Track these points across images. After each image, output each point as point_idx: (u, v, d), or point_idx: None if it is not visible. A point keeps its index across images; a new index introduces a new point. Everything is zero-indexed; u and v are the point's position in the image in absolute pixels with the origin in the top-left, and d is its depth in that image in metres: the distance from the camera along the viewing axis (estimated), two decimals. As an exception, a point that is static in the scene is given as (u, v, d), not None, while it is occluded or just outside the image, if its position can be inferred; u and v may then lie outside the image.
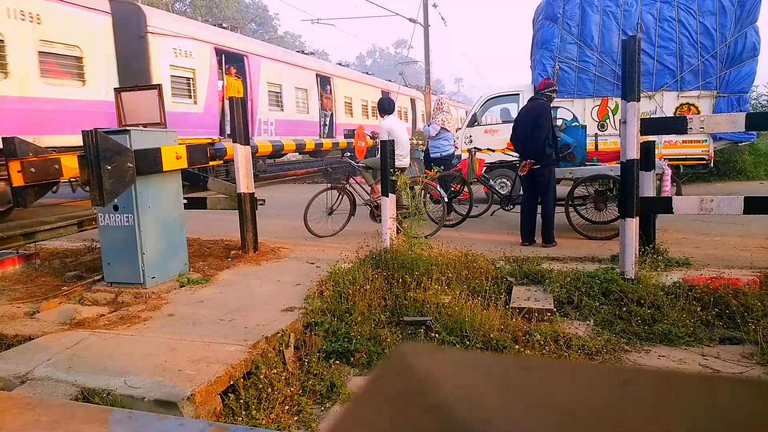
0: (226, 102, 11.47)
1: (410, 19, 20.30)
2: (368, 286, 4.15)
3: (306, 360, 3.42)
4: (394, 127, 6.81)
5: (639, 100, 4.23)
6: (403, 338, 3.81)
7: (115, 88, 4.94)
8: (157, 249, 4.41)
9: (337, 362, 3.50)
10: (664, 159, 7.87)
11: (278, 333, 3.46)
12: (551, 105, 6.04)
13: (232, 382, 2.91)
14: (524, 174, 5.86)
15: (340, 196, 6.60)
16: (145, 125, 4.52)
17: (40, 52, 8.26)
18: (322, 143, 17.03)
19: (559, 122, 6.90)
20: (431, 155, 7.98)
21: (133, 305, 4.09)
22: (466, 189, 7.25)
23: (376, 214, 6.62)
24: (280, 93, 14.94)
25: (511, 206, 6.83)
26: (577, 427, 0.31)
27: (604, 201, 6.20)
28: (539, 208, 5.80)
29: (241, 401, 2.84)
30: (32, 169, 3.81)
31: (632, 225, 4.29)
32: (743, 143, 10.65)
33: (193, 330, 3.57)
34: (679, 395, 0.33)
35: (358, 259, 4.92)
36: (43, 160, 3.89)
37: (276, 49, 16.61)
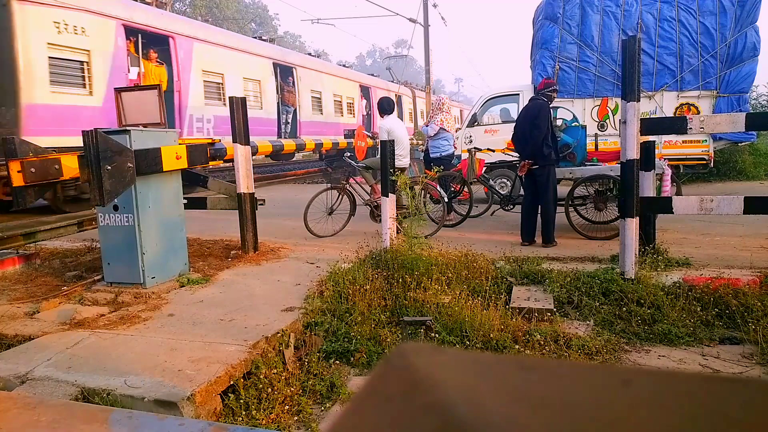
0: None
1: (410, 19, 20.30)
2: (368, 286, 4.15)
3: (306, 360, 3.42)
4: (393, 127, 6.81)
5: (639, 100, 4.23)
6: (403, 338, 3.81)
7: (115, 88, 4.93)
8: (157, 249, 4.41)
9: (337, 362, 3.50)
10: (664, 159, 7.87)
11: (278, 333, 3.46)
12: (551, 105, 6.05)
13: (232, 382, 2.91)
14: (523, 174, 5.86)
15: (340, 196, 6.60)
16: (145, 125, 4.52)
17: None
18: (282, 145, 14.48)
19: (559, 122, 6.90)
20: (431, 155, 7.98)
21: (133, 305, 4.09)
22: (466, 189, 7.25)
23: (376, 214, 6.62)
24: (221, 84, 12.42)
25: (511, 206, 6.83)
26: (577, 427, 0.31)
27: (604, 201, 6.20)
28: (539, 208, 5.80)
29: (241, 401, 2.84)
30: (32, 169, 3.81)
31: (632, 225, 4.29)
32: (743, 143, 10.65)
33: (193, 330, 3.57)
34: (679, 395, 0.33)
35: (358, 259, 4.92)
36: (43, 160, 3.89)
37: (216, 30, 13.92)
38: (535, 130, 5.64)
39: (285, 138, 15.03)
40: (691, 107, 9.51)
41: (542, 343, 3.60)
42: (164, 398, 2.62)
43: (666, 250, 4.86)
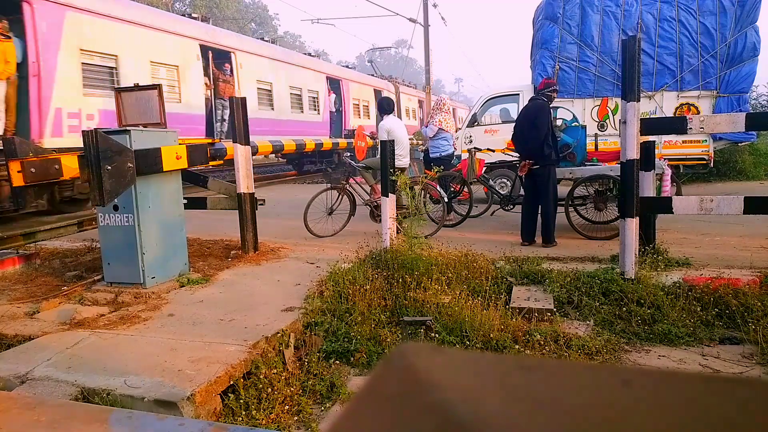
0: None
1: (410, 19, 20.31)
2: (368, 286, 4.15)
3: (306, 360, 3.42)
4: (393, 127, 6.82)
5: (639, 100, 4.23)
6: (403, 338, 3.81)
7: (115, 88, 4.93)
8: (157, 249, 4.41)
9: (337, 362, 3.50)
10: (664, 159, 7.88)
11: (278, 333, 3.46)
12: (551, 105, 6.05)
13: (232, 382, 2.91)
14: (523, 174, 5.86)
15: (340, 196, 6.60)
16: (145, 125, 4.52)
17: None
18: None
19: (559, 122, 6.90)
20: (431, 155, 7.98)
21: (133, 305, 4.09)
22: (466, 189, 7.25)
23: (376, 214, 6.62)
24: (114, 69, 9.60)
25: (511, 206, 6.83)
26: (577, 427, 0.31)
27: (604, 201, 6.20)
28: (539, 208, 5.80)
29: (241, 401, 2.84)
30: (32, 169, 3.81)
31: (632, 225, 4.29)
32: (743, 143, 10.65)
33: (193, 330, 3.57)
34: (679, 395, 0.33)
35: (358, 259, 4.92)
36: (43, 160, 3.89)
37: None
38: (536, 131, 5.64)
39: (222, 139, 12.01)
40: (691, 107, 9.51)
41: (542, 343, 3.60)
42: (164, 398, 2.62)
43: (666, 250, 4.86)
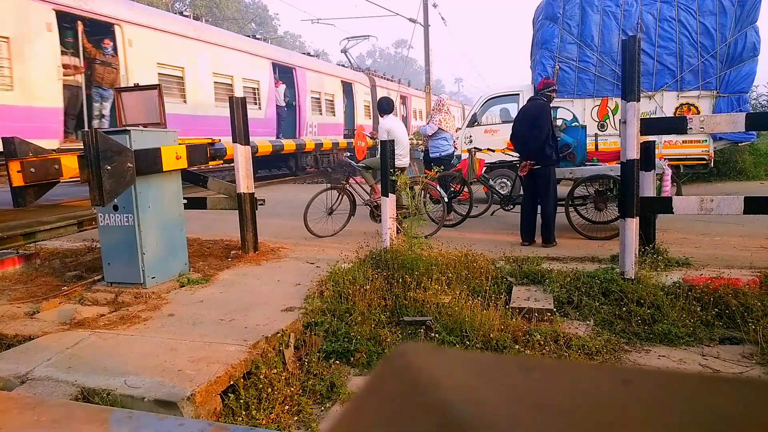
0: None
1: (410, 19, 20.31)
2: (368, 286, 4.15)
3: (306, 360, 3.42)
4: (393, 127, 6.82)
5: (639, 100, 4.23)
6: (403, 338, 3.81)
7: (115, 88, 4.93)
8: (157, 249, 4.41)
9: (337, 362, 3.50)
10: (664, 159, 7.87)
11: (278, 333, 3.46)
12: (551, 105, 6.05)
13: (232, 382, 2.91)
14: (524, 174, 5.86)
15: (340, 196, 6.60)
16: (145, 125, 4.52)
17: None
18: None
19: (559, 122, 6.90)
20: (431, 155, 7.98)
21: (133, 305, 4.09)
22: (466, 189, 7.25)
23: (376, 214, 6.62)
24: None
25: (511, 206, 6.83)
26: (577, 427, 0.31)
27: (604, 201, 6.20)
28: (539, 208, 5.80)
29: (241, 401, 2.84)
30: (32, 169, 3.81)
31: (632, 225, 4.29)
32: (743, 143, 10.66)
33: (193, 330, 3.57)
34: (679, 395, 0.33)
35: (358, 259, 4.92)
36: (43, 160, 3.89)
37: None
38: (537, 131, 5.63)
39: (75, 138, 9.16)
40: (691, 107, 9.51)
41: (542, 343, 3.60)
42: (164, 398, 2.62)
43: (666, 250, 4.86)
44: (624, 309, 3.98)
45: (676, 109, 9.56)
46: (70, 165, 3.94)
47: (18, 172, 3.75)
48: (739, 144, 10.64)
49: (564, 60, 9.74)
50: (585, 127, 7.10)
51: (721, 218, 6.35)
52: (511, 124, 6.14)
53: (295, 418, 2.87)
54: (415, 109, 26.28)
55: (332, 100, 17.85)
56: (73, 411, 2.40)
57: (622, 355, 3.57)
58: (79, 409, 2.46)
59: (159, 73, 10.49)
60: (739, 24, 9.16)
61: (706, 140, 9.53)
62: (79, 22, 8.87)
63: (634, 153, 4.24)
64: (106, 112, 9.43)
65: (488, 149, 8.96)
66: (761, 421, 0.30)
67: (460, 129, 10.27)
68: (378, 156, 5.94)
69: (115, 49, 9.48)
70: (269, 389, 2.92)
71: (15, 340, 3.56)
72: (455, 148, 8.36)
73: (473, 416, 0.31)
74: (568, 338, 3.64)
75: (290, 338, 3.50)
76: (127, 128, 4.25)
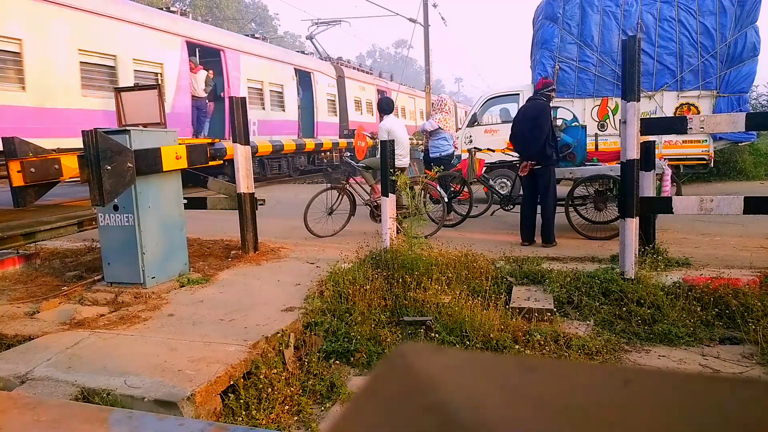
0: None
1: (410, 19, 20.29)
2: (368, 286, 4.15)
3: (306, 360, 3.42)
4: (393, 127, 6.82)
5: (639, 100, 4.23)
6: (403, 338, 3.81)
7: (115, 88, 4.93)
8: (157, 249, 4.41)
9: (337, 362, 3.50)
10: (664, 159, 7.88)
11: (278, 333, 3.46)
12: (551, 105, 6.05)
13: (232, 382, 2.91)
14: (524, 174, 5.86)
15: (340, 196, 6.60)
16: (145, 125, 4.53)
17: None
18: None
19: (559, 122, 6.90)
20: (431, 155, 7.98)
21: (133, 305, 4.09)
22: (466, 189, 7.25)
23: (376, 214, 6.63)
24: None
25: (511, 206, 6.83)
26: (577, 427, 0.31)
27: (604, 201, 6.20)
28: (539, 208, 5.80)
29: (241, 401, 2.84)
30: (32, 169, 3.81)
31: (632, 225, 4.29)
32: (743, 143, 10.66)
33: (193, 330, 3.57)
34: (679, 395, 0.33)
35: (358, 259, 4.92)
36: (43, 160, 3.89)
37: None
38: (538, 131, 5.63)
39: None
40: (691, 107, 9.51)
41: (542, 343, 3.60)
42: (164, 398, 2.62)
43: (666, 250, 4.86)
44: (624, 309, 3.98)
45: (676, 109, 9.57)
46: (70, 165, 3.94)
47: (18, 172, 3.75)
48: (739, 144, 10.64)
49: (564, 60, 9.74)
50: (585, 127, 7.10)
51: (720, 218, 6.36)
52: (511, 124, 6.14)
53: (295, 418, 2.87)
54: (398, 106, 23.07)
55: (281, 92, 14.57)
56: (72, 411, 2.40)
57: (622, 355, 3.57)
58: (79, 409, 2.46)
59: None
60: (739, 24, 9.16)
61: (706, 140, 9.53)
62: None
63: (634, 153, 4.24)
64: None
65: (488, 149, 8.96)
66: (761, 421, 0.30)
67: (460, 129, 10.27)
68: (378, 156, 5.94)
69: None
70: (269, 389, 2.92)
71: (15, 340, 3.56)
72: (455, 148, 8.36)
73: (473, 416, 0.31)
74: (568, 338, 3.64)
75: (290, 338, 3.50)
76: (127, 128, 4.25)
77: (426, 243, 4.97)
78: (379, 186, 6.02)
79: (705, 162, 9.73)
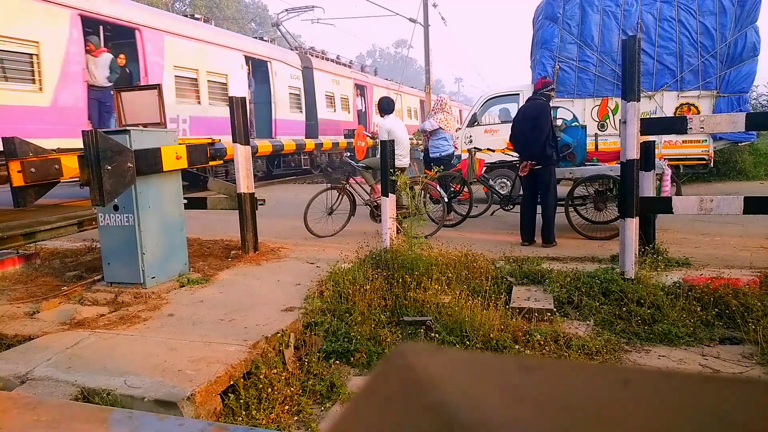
0: None
1: (410, 19, 20.29)
2: (368, 286, 4.15)
3: (306, 360, 3.42)
4: (393, 127, 6.82)
5: (639, 100, 4.23)
6: (403, 338, 3.81)
7: (115, 88, 4.93)
8: (157, 249, 4.41)
9: (337, 362, 3.50)
10: (664, 159, 7.88)
11: (278, 333, 3.46)
12: (551, 105, 6.05)
13: (232, 382, 2.91)
14: (525, 174, 5.86)
15: (340, 196, 6.60)
16: (145, 125, 4.52)
17: None
18: None
19: (559, 122, 6.91)
20: (431, 155, 7.98)
21: (133, 305, 4.09)
22: (466, 189, 7.25)
23: (376, 214, 6.63)
24: None
25: (511, 206, 6.83)
26: (577, 427, 0.31)
27: (604, 201, 6.20)
28: (539, 208, 5.80)
29: (241, 401, 2.84)
30: (32, 169, 3.81)
31: (632, 225, 4.29)
32: (743, 143, 10.66)
33: (193, 330, 3.57)
34: (679, 395, 0.33)
35: (358, 259, 4.92)
36: (43, 160, 3.89)
37: None
38: (538, 131, 5.63)
39: None
40: (691, 107, 9.51)
41: (542, 343, 3.60)
42: (164, 398, 2.62)
43: (666, 250, 4.86)
44: (624, 309, 3.98)
45: (676, 109, 9.57)
46: (70, 165, 3.94)
47: (18, 172, 3.75)
48: (739, 144, 10.64)
49: (564, 60, 9.74)
50: (585, 127, 7.10)
51: (720, 218, 6.36)
52: (511, 124, 6.14)
53: (295, 418, 2.87)
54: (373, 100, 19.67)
55: (225, 83, 12.22)
56: (72, 411, 2.40)
57: (622, 355, 3.57)
58: (79, 409, 2.46)
59: None
60: (739, 24, 9.16)
61: (706, 140, 9.53)
62: None
63: (634, 153, 4.24)
64: None
65: (488, 149, 8.96)
66: (761, 421, 0.30)
67: (460, 129, 10.27)
68: (378, 156, 5.94)
69: None
70: (269, 389, 2.92)
71: (15, 340, 3.56)
72: (455, 148, 8.36)
73: (473, 416, 0.31)
74: (568, 338, 3.64)
75: (290, 338, 3.50)
76: (127, 128, 4.25)
77: (426, 243, 4.97)
78: (379, 186, 6.02)
79: (705, 162, 9.73)
